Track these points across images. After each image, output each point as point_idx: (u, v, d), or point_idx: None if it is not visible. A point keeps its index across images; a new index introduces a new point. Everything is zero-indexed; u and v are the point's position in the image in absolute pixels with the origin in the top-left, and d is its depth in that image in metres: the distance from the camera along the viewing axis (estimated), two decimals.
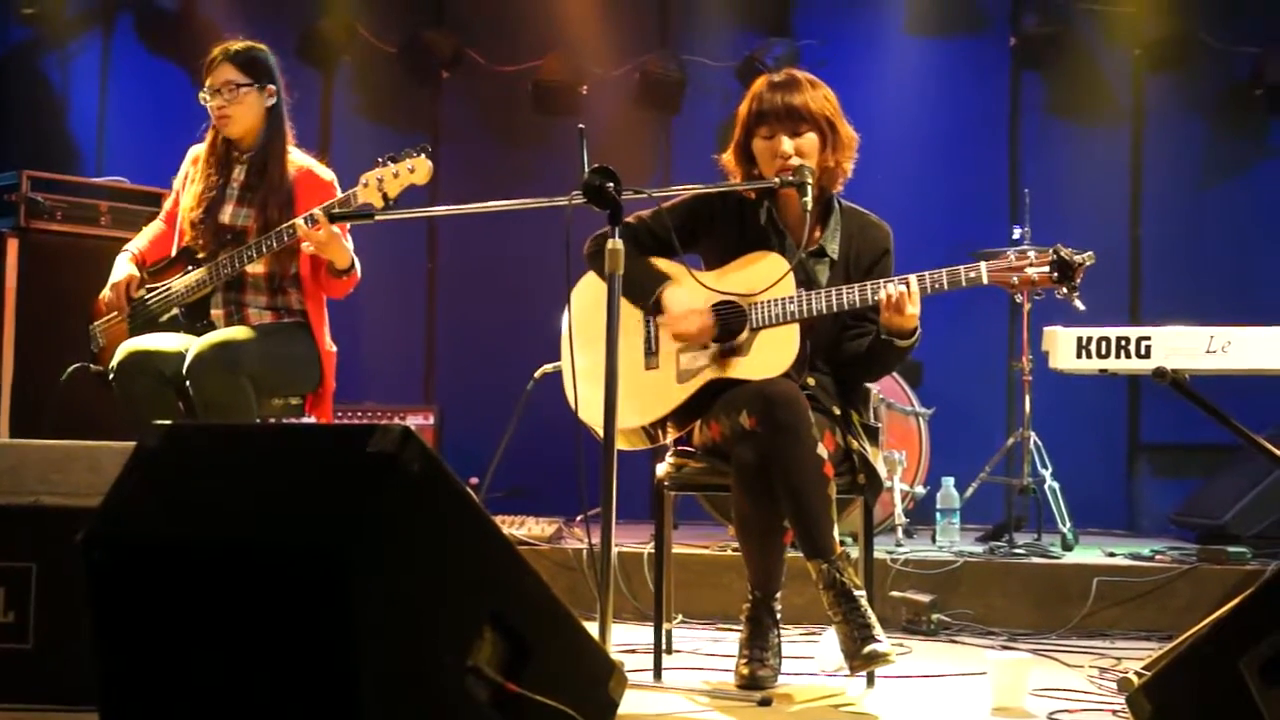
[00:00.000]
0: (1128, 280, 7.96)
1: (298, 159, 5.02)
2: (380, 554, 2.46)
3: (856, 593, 3.90)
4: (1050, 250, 4.06)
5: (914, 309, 4.05)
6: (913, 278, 4.07)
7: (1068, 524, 6.21)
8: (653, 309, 4.26)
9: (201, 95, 4.97)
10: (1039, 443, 6.43)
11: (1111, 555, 5.86)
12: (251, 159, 5.00)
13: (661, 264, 4.32)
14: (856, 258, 4.32)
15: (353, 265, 4.88)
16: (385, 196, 4.57)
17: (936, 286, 4.07)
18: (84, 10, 8.90)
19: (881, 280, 4.11)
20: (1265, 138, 7.89)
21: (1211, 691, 2.66)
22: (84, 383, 5.05)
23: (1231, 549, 5.60)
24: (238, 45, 5.00)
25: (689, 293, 4.22)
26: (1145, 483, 7.99)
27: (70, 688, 3.38)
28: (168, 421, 2.88)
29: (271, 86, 4.98)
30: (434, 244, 8.77)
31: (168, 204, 5.23)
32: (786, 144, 4.20)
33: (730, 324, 4.20)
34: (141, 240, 5.19)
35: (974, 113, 8.20)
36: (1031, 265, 4.05)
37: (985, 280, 4.07)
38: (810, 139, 4.23)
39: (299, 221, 4.70)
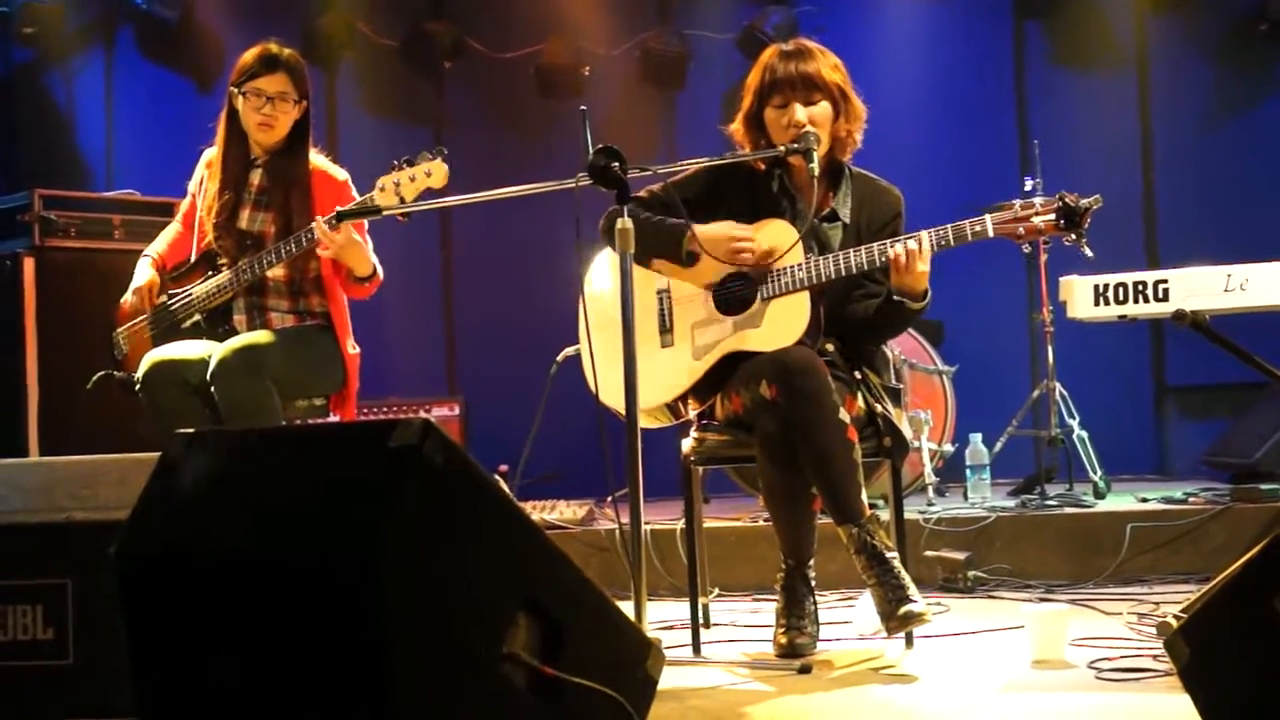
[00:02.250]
0: (1142, 225, 7.93)
1: (312, 159, 5.01)
2: (408, 549, 2.47)
3: (889, 554, 3.91)
4: (1055, 198, 4.05)
5: (924, 267, 4.05)
6: (920, 235, 4.06)
7: (1098, 472, 6.21)
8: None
9: (243, 95, 4.89)
10: (1064, 393, 6.42)
11: (1144, 501, 5.84)
12: (269, 164, 4.98)
13: None
14: (868, 222, 4.32)
15: (374, 272, 4.89)
16: (402, 200, 4.57)
17: (943, 243, 4.06)
18: (84, 26, 8.92)
19: (889, 240, 4.11)
20: (1272, 73, 7.83)
21: (1247, 631, 2.65)
22: (109, 390, 5.07)
23: (1265, 486, 5.57)
24: (287, 53, 4.95)
25: (718, 226, 4.22)
26: (1174, 426, 7.97)
27: (113, 701, 3.40)
28: (190, 430, 2.89)
29: (305, 101, 4.98)
30: (448, 235, 8.79)
31: (184, 205, 5.21)
32: (800, 112, 4.20)
33: (742, 295, 4.20)
34: (160, 244, 5.18)
35: (978, 67, 8.18)
36: (1037, 214, 4.04)
37: (991, 233, 4.06)
38: (824, 108, 4.23)
39: (319, 221, 4.69)
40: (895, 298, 4.10)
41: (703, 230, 4.20)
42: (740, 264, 4.18)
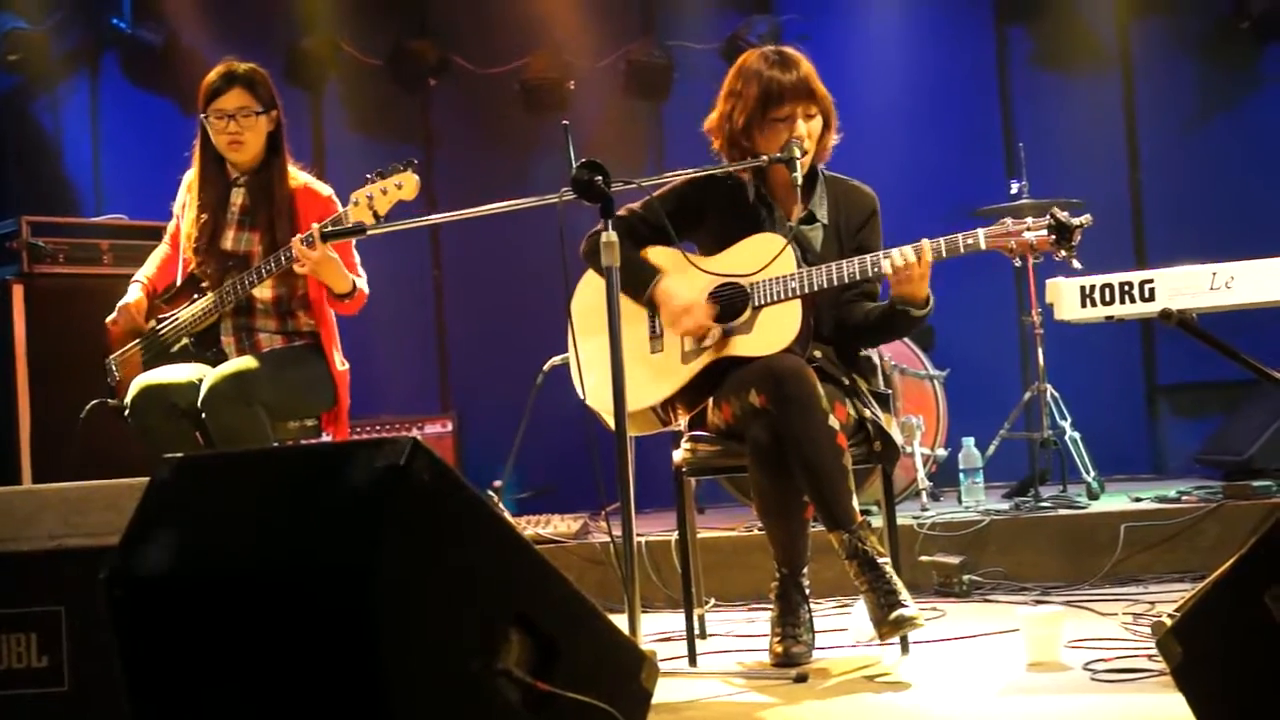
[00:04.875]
0: (1130, 225, 7.94)
1: (295, 176, 5.01)
2: (398, 567, 2.46)
3: (880, 560, 3.92)
4: (1047, 214, 4.05)
5: (923, 274, 4.05)
6: (921, 244, 4.06)
7: (1092, 473, 6.21)
8: (647, 304, 4.29)
9: (207, 119, 4.90)
10: (1056, 395, 6.43)
11: (1138, 500, 5.84)
12: (250, 182, 4.98)
13: (658, 252, 4.34)
14: (846, 221, 4.36)
15: (354, 289, 4.88)
16: (376, 214, 4.56)
17: (935, 256, 4.07)
18: (68, 52, 8.91)
19: (880, 252, 4.12)
20: (1254, 69, 7.84)
21: (1240, 628, 2.65)
22: (103, 417, 5.06)
23: (1256, 483, 5.58)
24: (244, 68, 4.93)
25: (684, 283, 4.24)
26: (1167, 424, 7.97)
27: None
28: (179, 454, 2.90)
29: (275, 111, 4.97)
30: (438, 252, 8.78)
31: (170, 227, 5.21)
32: (802, 127, 4.24)
33: (733, 304, 4.21)
34: (149, 268, 5.19)
35: (961, 72, 8.19)
36: (1029, 230, 4.04)
37: (983, 246, 4.07)
38: (818, 123, 4.29)
39: (296, 241, 4.69)
40: (899, 306, 4.11)
41: (668, 287, 4.26)
42: (680, 333, 4.25)
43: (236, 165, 4.99)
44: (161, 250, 5.23)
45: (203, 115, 4.94)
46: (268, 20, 8.60)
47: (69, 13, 8.85)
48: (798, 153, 4.16)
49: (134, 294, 5.07)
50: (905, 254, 4.05)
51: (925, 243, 4.06)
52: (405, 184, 4.60)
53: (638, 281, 4.28)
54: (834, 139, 4.35)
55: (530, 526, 6.00)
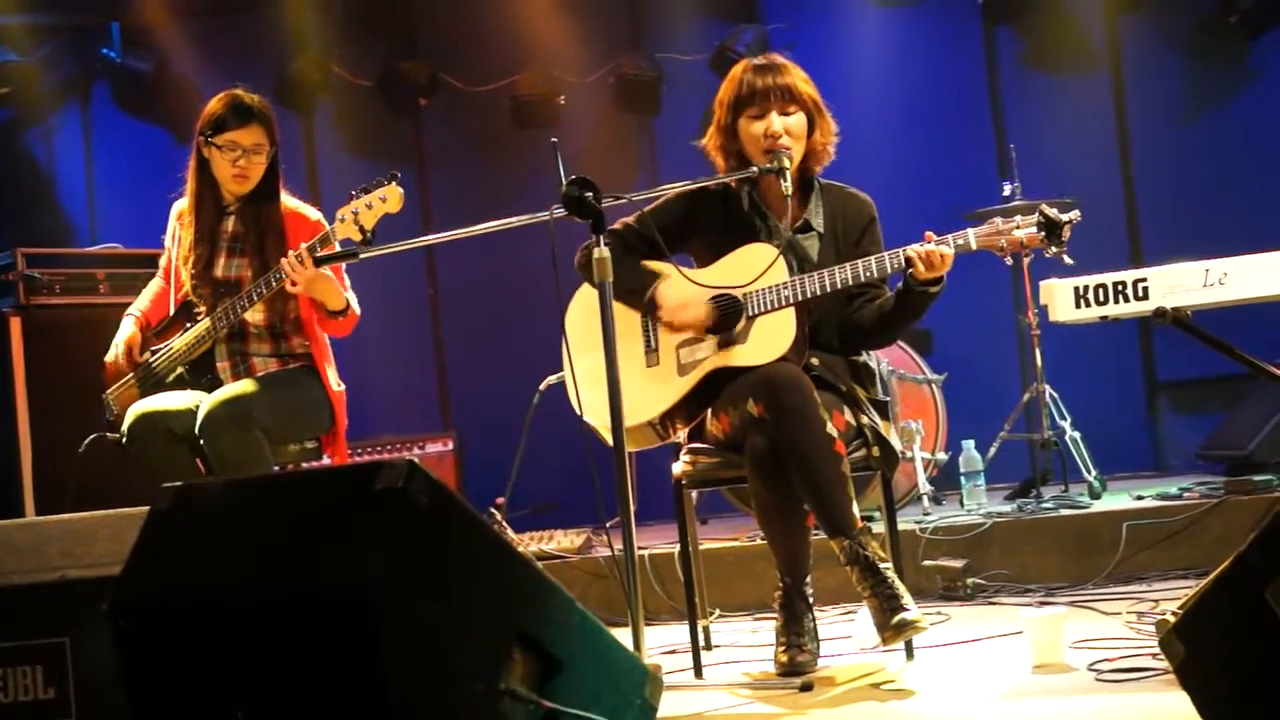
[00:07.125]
0: (1125, 223, 7.94)
1: (284, 200, 5.00)
2: (398, 590, 2.47)
3: (881, 565, 3.91)
4: (1036, 213, 4.06)
5: (948, 265, 4.06)
6: (947, 237, 4.06)
7: (1093, 473, 6.21)
8: (648, 307, 4.28)
9: (213, 146, 4.86)
10: (1055, 395, 6.43)
11: (1139, 498, 5.83)
12: (241, 209, 4.97)
13: (652, 266, 4.35)
14: (844, 230, 4.36)
15: (348, 306, 4.88)
16: (363, 229, 4.56)
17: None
18: (59, 83, 8.93)
19: (873, 257, 4.12)
20: (1244, 62, 7.84)
21: (1241, 625, 2.65)
22: (103, 452, 5.05)
23: (1258, 478, 5.58)
24: (259, 103, 4.92)
25: (681, 287, 4.24)
26: (1168, 421, 7.97)
27: None
28: (177, 483, 2.90)
29: (275, 146, 4.96)
30: (433, 271, 8.79)
31: (163, 260, 5.21)
32: (777, 122, 4.24)
33: (727, 315, 4.21)
34: (143, 301, 5.19)
35: (951, 76, 8.21)
36: (1018, 228, 4.05)
37: (974, 245, 4.07)
38: (799, 119, 4.28)
39: (284, 261, 4.68)
40: (918, 288, 4.09)
41: (667, 289, 4.27)
42: (680, 326, 4.26)
43: (233, 193, 4.98)
44: (156, 284, 5.23)
45: (205, 141, 4.90)
46: (257, 44, 8.62)
47: (59, 44, 8.87)
48: (786, 163, 4.17)
49: (127, 328, 5.07)
50: (939, 250, 4.04)
51: (949, 237, 4.06)
52: (389, 197, 4.59)
53: (638, 285, 4.28)
54: (830, 140, 4.35)
55: (533, 543, 6.01)
